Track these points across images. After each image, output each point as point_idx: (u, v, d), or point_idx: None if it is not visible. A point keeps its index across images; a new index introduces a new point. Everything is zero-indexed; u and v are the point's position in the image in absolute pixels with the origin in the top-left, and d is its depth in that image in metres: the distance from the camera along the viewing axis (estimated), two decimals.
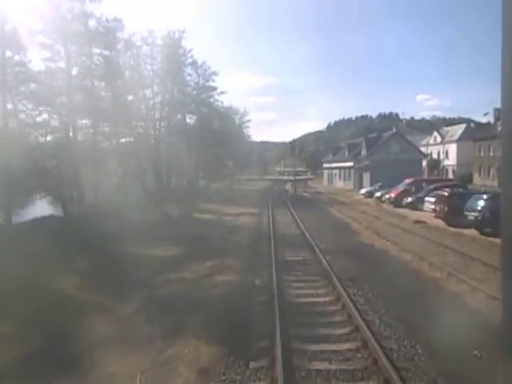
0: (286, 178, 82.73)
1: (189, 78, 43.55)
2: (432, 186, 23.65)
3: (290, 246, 13.60)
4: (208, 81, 45.28)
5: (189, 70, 42.79)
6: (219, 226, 19.40)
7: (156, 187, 36.67)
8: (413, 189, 25.79)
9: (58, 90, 25.22)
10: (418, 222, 18.81)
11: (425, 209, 21.09)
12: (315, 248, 12.70)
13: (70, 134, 26.54)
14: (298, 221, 19.43)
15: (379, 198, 29.84)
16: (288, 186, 58.88)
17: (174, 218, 21.93)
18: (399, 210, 23.94)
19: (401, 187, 27.06)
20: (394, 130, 47.15)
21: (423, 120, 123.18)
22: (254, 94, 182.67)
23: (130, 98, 36.11)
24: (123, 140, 34.94)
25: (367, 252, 12.67)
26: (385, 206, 27.39)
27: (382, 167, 40.66)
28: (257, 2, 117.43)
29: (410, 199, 24.35)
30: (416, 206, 23.29)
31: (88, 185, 28.14)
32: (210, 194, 38.84)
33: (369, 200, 32.19)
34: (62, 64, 25.68)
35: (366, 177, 44.16)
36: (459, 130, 59.51)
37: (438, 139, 62.31)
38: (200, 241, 15.22)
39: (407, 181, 27.40)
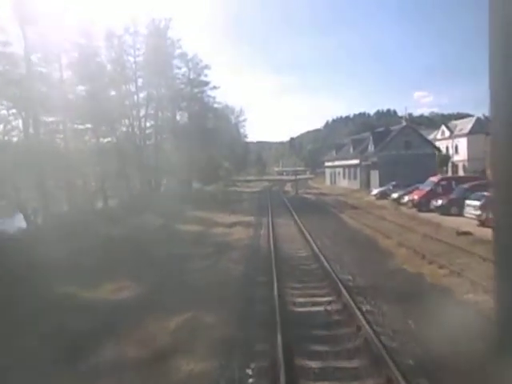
0: (285, 177, 78.78)
1: (178, 71, 40.08)
2: (466, 186, 19.36)
3: (302, 283, 9.27)
4: (200, 75, 41.60)
5: (177, 62, 39.19)
6: (205, 242, 15.11)
7: (143, 192, 32.97)
8: (440, 189, 21.47)
9: (11, 79, 21.06)
10: (461, 233, 14.47)
11: (465, 214, 16.83)
12: (340, 285, 8.42)
13: (31, 130, 22.44)
14: (306, 234, 15.10)
15: (397, 199, 25.50)
16: (288, 187, 54.75)
17: (150, 232, 17.70)
18: (426, 216, 19.55)
19: (425, 187, 22.54)
20: (404, 123, 42.76)
21: (422, 116, 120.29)
22: (250, 93, 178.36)
23: (113, 93, 32.40)
24: (105, 140, 31.28)
25: (420, 292, 8.16)
26: (405, 209, 23.00)
27: (391, 164, 36.68)
28: (253, 2, 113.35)
29: (439, 202, 19.90)
30: (448, 210, 19.01)
31: (58, 192, 24.31)
32: (203, 197, 34.82)
33: (383, 202, 27.78)
34: (17, 48, 21.62)
35: (374, 175, 39.92)
36: (469, 123, 55.81)
37: (447, 133, 58.54)
38: (173, 270, 10.97)
39: (433, 179, 22.90)
